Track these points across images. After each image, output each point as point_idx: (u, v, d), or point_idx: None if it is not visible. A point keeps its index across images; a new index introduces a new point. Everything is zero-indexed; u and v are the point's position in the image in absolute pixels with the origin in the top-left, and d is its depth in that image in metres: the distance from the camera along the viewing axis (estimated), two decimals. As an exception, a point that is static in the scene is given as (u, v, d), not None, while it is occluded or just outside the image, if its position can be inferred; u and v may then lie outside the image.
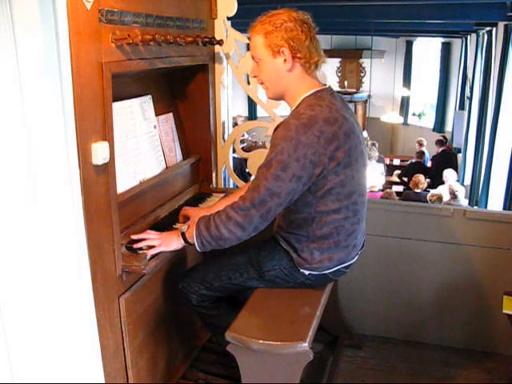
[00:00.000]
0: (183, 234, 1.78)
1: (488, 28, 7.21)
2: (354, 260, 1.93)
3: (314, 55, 1.72)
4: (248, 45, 1.84)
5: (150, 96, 2.16)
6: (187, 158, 2.43)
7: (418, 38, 11.83)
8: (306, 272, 1.86)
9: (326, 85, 1.79)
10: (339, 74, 13.24)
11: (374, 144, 8.53)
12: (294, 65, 1.71)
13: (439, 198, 5.81)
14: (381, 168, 8.61)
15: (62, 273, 1.41)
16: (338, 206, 1.74)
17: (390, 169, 9.42)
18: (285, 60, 1.70)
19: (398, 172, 9.17)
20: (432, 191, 6.51)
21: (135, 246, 1.79)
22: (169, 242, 1.80)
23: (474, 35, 8.80)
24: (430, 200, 5.79)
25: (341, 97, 1.83)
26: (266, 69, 1.75)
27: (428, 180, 7.72)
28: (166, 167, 2.25)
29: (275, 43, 1.68)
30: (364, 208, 1.87)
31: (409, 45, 12.16)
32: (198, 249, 1.75)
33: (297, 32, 1.67)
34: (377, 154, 8.45)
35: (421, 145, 9.42)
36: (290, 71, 1.72)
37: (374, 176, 7.29)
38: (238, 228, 1.65)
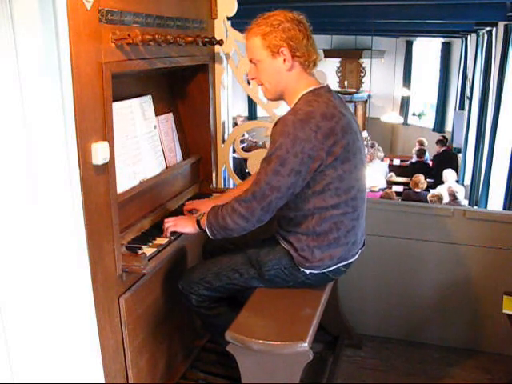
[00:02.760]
0: (198, 222, 1.87)
1: (488, 28, 7.21)
2: (354, 258, 1.93)
3: (312, 53, 1.76)
4: None
5: (149, 96, 2.16)
6: (187, 158, 2.43)
7: (418, 38, 11.83)
8: (307, 271, 1.85)
9: (324, 84, 1.80)
10: (339, 74, 13.24)
11: (373, 144, 8.53)
12: (293, 64, 1.74)
13: (439, 198, 5.82)
14: (385, 168, 8.63)
15: (62, 273, 1.41)
16: (336, 202, 1.75)
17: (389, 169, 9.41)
18: (284, 60, 1.72)
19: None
20: (432, 191, 6.51)
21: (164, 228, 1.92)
22: (184, 225, 1.92)
23: (474, 35, 8.79)
24: (430, 200, 5.80)
25: (339, 95, 1.85)
26: (266, 69, 1.76)
27: (431, 180, 7.73)
28: (166, 167, 2.25)
29: (274, 44, 1.70)
30: (363, 204, 1.88)
31: (409, 45, 12.16)
32: (210, 236, 1.83)
33: (295, 31, 1.69)
34: (382, 154, 8.50)
35: (422, 145, 9.41)
36: (289, 70, 1.75)
37: (377, 175, 7.31)
38: (243, 219, 1.72)
